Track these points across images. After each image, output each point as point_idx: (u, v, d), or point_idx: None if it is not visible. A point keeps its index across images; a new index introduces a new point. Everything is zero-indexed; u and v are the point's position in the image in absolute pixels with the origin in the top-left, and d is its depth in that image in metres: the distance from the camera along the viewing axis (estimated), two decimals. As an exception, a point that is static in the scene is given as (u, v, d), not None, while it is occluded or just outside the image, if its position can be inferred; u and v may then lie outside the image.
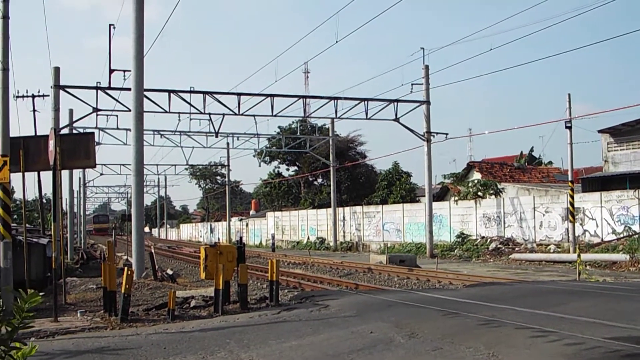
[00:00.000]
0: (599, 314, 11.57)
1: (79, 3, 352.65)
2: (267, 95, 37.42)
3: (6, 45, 15.23)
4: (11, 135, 15.62)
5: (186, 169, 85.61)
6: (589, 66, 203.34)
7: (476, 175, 50.32)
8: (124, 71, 29.60)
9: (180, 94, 35.21)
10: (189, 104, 35.91)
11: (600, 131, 42.30)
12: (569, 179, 33.29)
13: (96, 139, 34.58)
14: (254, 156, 77.61)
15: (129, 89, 24.37)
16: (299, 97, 39.71)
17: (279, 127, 76.66)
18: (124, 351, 9.70)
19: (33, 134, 39.38)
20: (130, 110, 24.27)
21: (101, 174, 72.91)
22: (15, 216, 37.93)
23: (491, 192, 42.79)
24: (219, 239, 78.47)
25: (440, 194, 54.80)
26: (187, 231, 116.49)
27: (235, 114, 37.50)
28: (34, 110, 44.93)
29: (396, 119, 40.09)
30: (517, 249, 36.28)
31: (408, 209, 48.40)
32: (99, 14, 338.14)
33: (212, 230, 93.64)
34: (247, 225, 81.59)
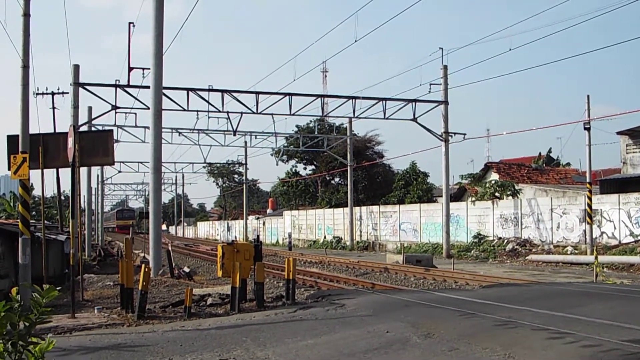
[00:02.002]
0: (616, 316, 11.50)
1: (101, 2, 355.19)
2: (285, 94, 37.44)
3: (27, 42, 15.34)
4: (31, 132, 15.74)
5: (204, 167, 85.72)
6: (608, 68, 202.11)
7: (494, 176, 50.10)
8: (143, 69, 29.72)
9: (199, 92, 35.28)
10: (208, 102, 36.01)
11: (618, 133, 42.01)
12: (587, 180, 33.08)
13: (115, 137, 34.73)
14: (272, 155, 77.57)
15: (148, 87, 24.45)
16: (317, 96, 39.70)
17: (296, 126, 76.67)
18: (140, 348, 9.76)
19: (52, 131, 39.67)
20: (149, 108, 24.36)
21: (119, 172, 73.27)
22: (33, 212, 38.27)
23: (508, 193, 42.60)
24: (235, 237, 78.56)
25: (458, 195, 54.62)
26: (204, 229, 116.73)
27: (253, 113, 37.55)
28: (54, 108, 45.04)
29: (414, 119, 40.00)
30: (534, 250, 36.10)
31: (425, 209, 48.29)
32: (120, 12, 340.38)
33: (229, 229, 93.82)
34: (264, 223, 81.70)
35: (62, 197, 47.87)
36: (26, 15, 15.30)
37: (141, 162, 67.97)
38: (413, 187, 60.73)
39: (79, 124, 32.48)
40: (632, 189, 34.94)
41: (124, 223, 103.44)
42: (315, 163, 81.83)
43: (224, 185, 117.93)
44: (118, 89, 32.73)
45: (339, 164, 66.18)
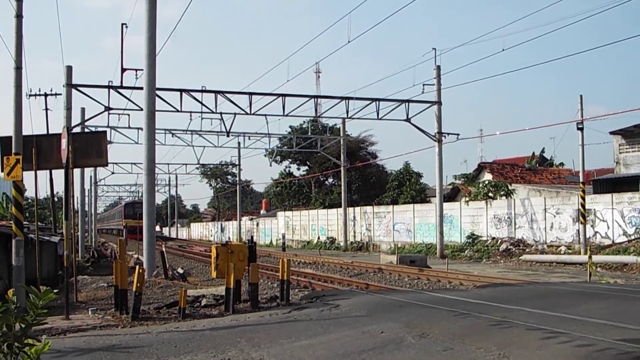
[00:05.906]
0: (610, 315, 11.53)
1: (99, 2, 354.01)
2: (279, 95, 37.44)
3: (19, 44, 15.31)
4: (24, 133, 15.70)
5: (197, 168, 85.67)
6: (597, 69, 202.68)
7: (487, 176, 50.18)
8: (136, 70, 29.66)
9: (192, 94, 35.25)
10: (201, 103, 36.00)
11: (612, 133, 42.14)
12: (580, 180, 33.15)
13: (108, 138, 34.65)
14: (265, 156, 77.72)
15: (141, 88, 24.42)
16: (311, 97, 39.72)
17: (290, 126, 76.75)
18: (135, 349, 9.74)
19: (45, 132, 39.57)
20: (142, 109, 24.31)
21: (112, 173, 73.37)
22: (27, 214, 38.14)
23: (502, 193, 42.69)
24: (229, 238, 78.50)
25: (451, 195, 54.68)
26: (198, 230, 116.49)
27: (247, 114, 37.56)
28: (47, 109, 45.05)
29: (407, 120, 40.04)
30: (527, 250, 36.15)
31: (419, 209, 48.34)
32: (118, 13, 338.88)
33: (222, 230, 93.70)
34: (257, 224, 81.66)
35: (56, 199, 47.79)
36: (19, 16, 15.28)
37: (134, 163, 67.93)
38: (406, 188, 60.80)
39: (72, 125, 32.42)
40: (625, 188, 35.06)
41: (137, 224, 57.34)
42: (308, 164, 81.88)
43: (217, 186, 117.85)
44: (111, 90, 32.67)
45: (332, 165, 66.25)
